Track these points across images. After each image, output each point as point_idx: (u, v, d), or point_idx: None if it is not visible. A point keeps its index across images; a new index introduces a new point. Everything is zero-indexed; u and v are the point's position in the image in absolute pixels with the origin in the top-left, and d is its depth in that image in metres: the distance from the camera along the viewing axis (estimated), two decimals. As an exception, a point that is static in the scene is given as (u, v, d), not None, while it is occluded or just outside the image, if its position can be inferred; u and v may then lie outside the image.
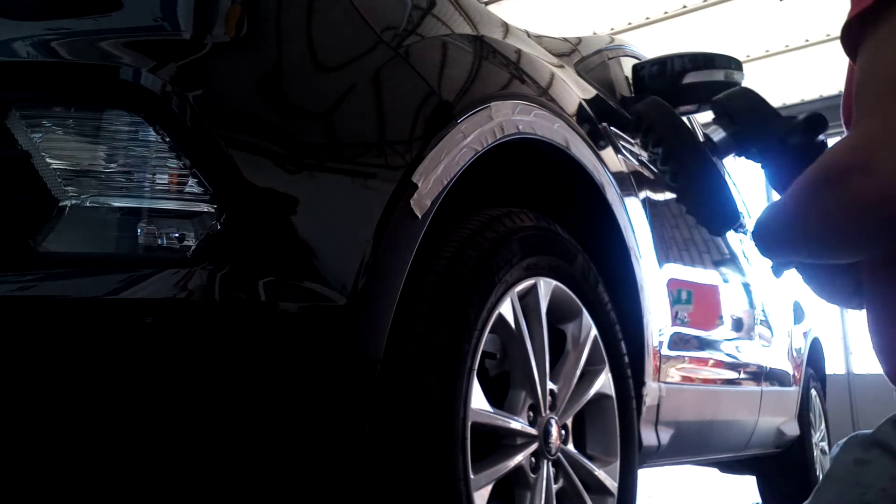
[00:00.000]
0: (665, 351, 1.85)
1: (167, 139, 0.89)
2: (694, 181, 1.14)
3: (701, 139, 1.19)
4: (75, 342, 0.83)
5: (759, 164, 1.17)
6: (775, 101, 9.72)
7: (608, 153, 1.72)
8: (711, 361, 2.28)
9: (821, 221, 0.91)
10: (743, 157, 1.19)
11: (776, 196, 1.09)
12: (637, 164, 1.95)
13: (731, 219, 1.16)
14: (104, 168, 0.88)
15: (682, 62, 2.10)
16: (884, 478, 0.89)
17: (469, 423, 1.13)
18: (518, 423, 1.24)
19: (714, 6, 7.60)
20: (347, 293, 0.97)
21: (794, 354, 3.26)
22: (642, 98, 2.14)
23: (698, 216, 1.17)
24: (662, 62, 2.13)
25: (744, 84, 2.13)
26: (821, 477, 3.44)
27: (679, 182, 1.15)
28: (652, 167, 2.07)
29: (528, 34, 1.84)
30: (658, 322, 1.80)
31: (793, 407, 3.19)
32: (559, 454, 1.34)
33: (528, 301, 1.32)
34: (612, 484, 1.45)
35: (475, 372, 1.15)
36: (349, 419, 0.99)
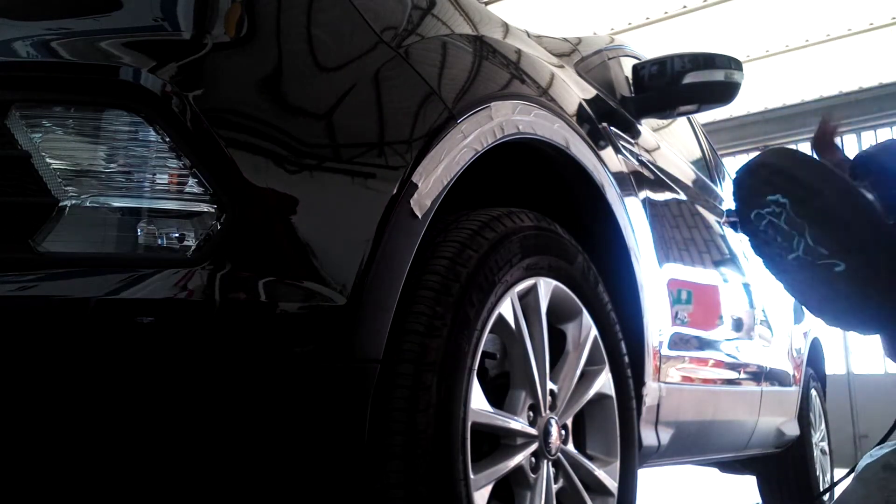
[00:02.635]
0: (665, 351, 1.85)
1: (167, 139, 0.89)
2: (878, 273, 0.86)
3: None
4: (75, 342, 0.83)
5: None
6: (775, 101, 9.76)
7: (608, 153, 1.72)
8: (711, 361, 2.28)
9: None
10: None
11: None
12: (637, 164, 1.95)
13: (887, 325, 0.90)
14: (104, 168, 0.88)
15: (682, 62, 2.10)
16: None
17: (469, 423, 1.13)
18: (518, 423, 1.24)
19: (714, 6, 7.60)
20: (347, 293, 0.97)
21: (794, 354, 3.26)
22: (643, 98, 2.14)
23: (841, 316, 0.91)
24: (662, 62, 2.13)
25: (739, 86, 2.11)
26: (821, 477, 3.46)
27: (846, 278, 0.86)
28: (652, 167, 2.07)
29: (528, 34, 1.84)
30: (658, 322, 1.80)
31: (793, 407, 3.19)
32: (559, 454, 1.34)
33: (528, 301, 1.32)
34: (612, 484, 1.45)
35: (475, 372, 1.15)
36: (349, 419, 0.99)
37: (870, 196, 0.94)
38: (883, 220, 0.88)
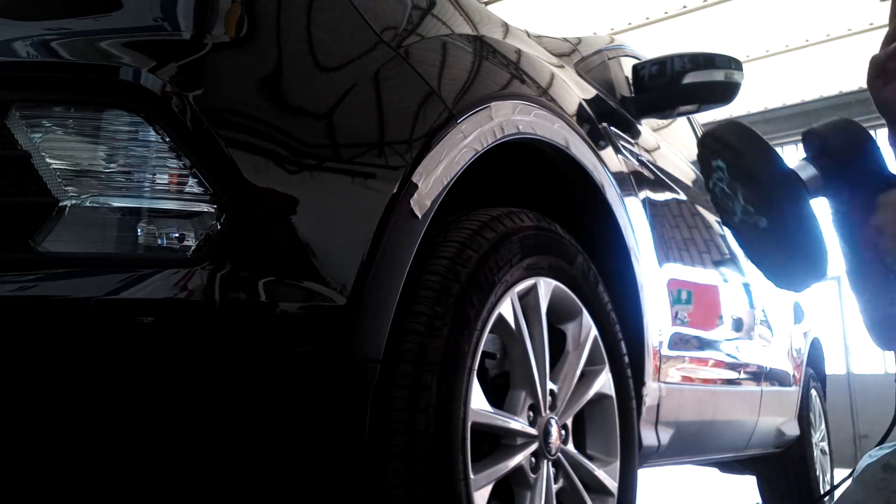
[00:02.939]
0: (665, 351, 1.85)
1: (167, 139, 0.89)
2: (792, 232, 0.97)
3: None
4: (75, 342, 0.83)
5: (833, 210, 1.01)
6: (775, 101, 9.76)
7: (608, 153, 1.72)
8: (711, 361, 2.28)
9: None
10: (824, 199, 1.02)
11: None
12: (637, 164, 1.95)
13: (821, 274, 1.01)
14: (104, 168, 0.88)
15: (682, 62, 2.10)
16: None
17: (469, 423, 1.13)
18: (518, 423, 1.24)
19: (714, 6, 7.61)
20: (347, 293, 0.97)
21: (794, 354, 3.26)
22: (643, 98, 2.14)
23: (779, 273, 1.02)
24: (662, 62, 2.13)
25: (739, 86, 2.12)
26: (821, 477, 3.46)
27: (764, 234, 0.97)
28: (652, 167, 2.07)
29: (528, 34, 1.84)
30: (658, 322, 1.80)
31: (793, 407, 3.19)
32: (559, 454, 1.34)
33: (528, 301, 1.32)
34: (612, 484, 1.45)
35: (475, 372, 1.15)
36: (349, 419, 0.99)
37: (812, 169, 1.01)
38: (801, 185, 0.97)
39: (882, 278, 1.05)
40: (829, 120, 1.04)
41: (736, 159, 1.00)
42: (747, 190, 0.98)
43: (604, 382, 1.49)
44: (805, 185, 0.98)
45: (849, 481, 1.04)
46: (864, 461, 1.00)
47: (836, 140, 1.02)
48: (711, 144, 1.04)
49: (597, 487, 1.43)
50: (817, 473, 3.46)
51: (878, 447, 1.02)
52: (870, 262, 1.03)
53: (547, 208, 1.50)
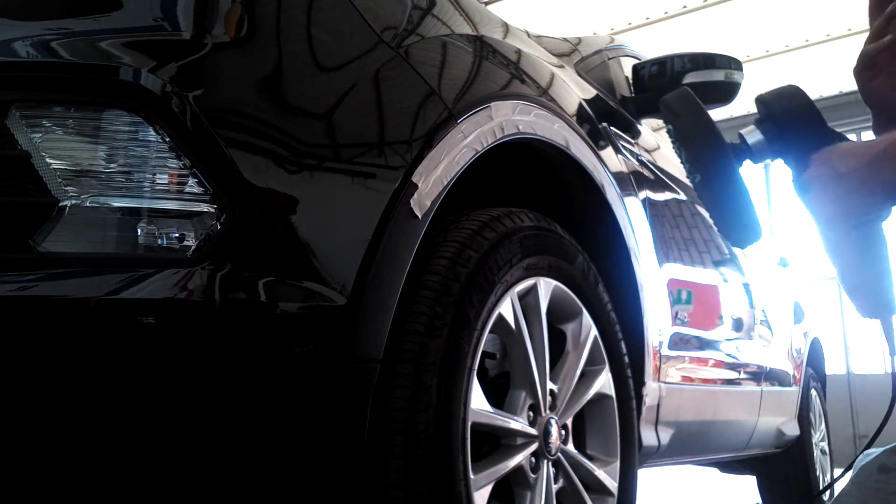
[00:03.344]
0: (665, 351, 1.85)
1: (167, 139, 0.89)
2: (717, 191, 1.07)
3: (737, 140, 1.11)
4: (75, 342, 0.83)
5: (791, 169, 1.09)
6: (775, 101, 9.74)
7: (608, 153, 1.72)
8: (711, 361, 2.28)
9: None
10: (775, 161, 1.11)
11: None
12: (637, 164, 1.95)
13: (752, 234, 1.09)
14: (104, 168, 0.88)
15: (682, 62, 2.10)
16: None
17: (469, 423, 1.13)
18: (518, 423, 1.24)
19: (714, 6, 7.61)
20: (347, 293, 0.97)
21: (794, 354, 3.27)
22: (643, 98, 2.14)
23: (719, 227, 1.11)
24: (662, 62, 2.13)
25: (739, 86, 2.13)
26: (821, 477, 3.46)
27: (700, 189, 1.09)
28: (652, 167, 2.08)
29: (528, 34, 1.84)
30: (658, 322, 1.80)
31: (793, 407, 3.19)
32: (559, 454, 1.34)
33: (528, 301, 1.32)
34: (612, 484, 1.45)
35: (475, 372, 1.15)
36: (349, 419, 0.99)
37: (758, 133, 1.11)
38: (727, 147, 1.08)
39: (848, 244, 1.10)
40: (776, 87, 1.12)
41: (676, 123, 1.11)
42: (684, 150, 1.09)
43: (604, 382, 1.49)
44: (741, 148, 1.09)
45: (849, 474, 1.04)
46: (861, 460, 1.00)
47: (778, 105, 1.10)
48: (663, 111, 1.13)
49: (597, 487, 1.43)
50: (817, 473, 3.46)
51: (873, 448, 1.02)
52: (830, 223, 1.08)
53: (547, 208, 1.50)
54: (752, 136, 1.10)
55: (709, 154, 1.07)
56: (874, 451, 1.00)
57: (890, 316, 1.17)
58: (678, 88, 1.15)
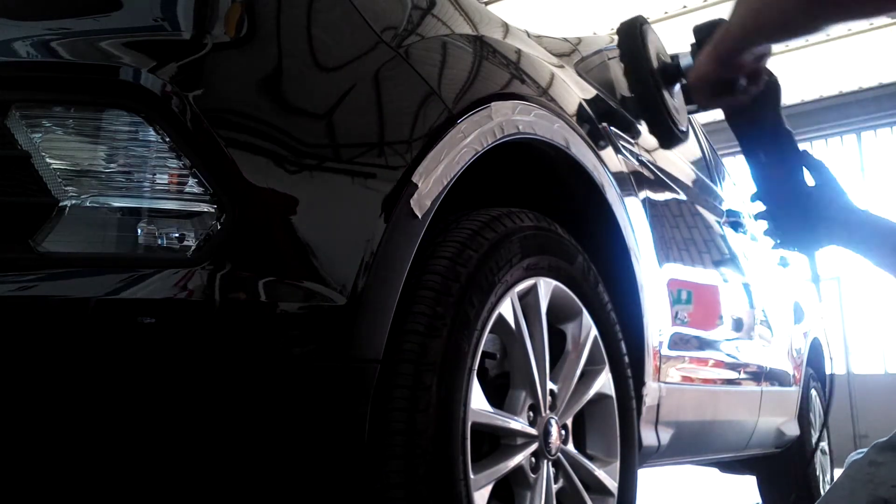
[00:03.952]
0: (665, 351, 1.85)
1: (167, 139, 0.89)
2: (638, 102, 1.41)
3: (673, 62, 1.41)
4: (75, 342, 0.83)
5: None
6: (775, 101, 9.75)
7: (608, 153, 1.72)
8: (711, 361, 2.28)
9: None
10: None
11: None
12: (637, 164, 1.95)
13: (668, 135, 1.42)
14: (104, 168, 0.88)
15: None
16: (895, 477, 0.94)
17: (469, 423, 1.13)
18: (518, 423, 1.24)
19: (714, 6, 7.60)
20: (347, 293, 0.97)
21: (794, 354, 3.26)
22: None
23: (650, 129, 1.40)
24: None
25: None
26: (821, 477, 3.46)
27: (631, 103, 1.38)
28: (652, 167, 2.08)
29: (528, 34, 1.84)
30: (658, 322, 1.80)
31: (793, 407, 3.19)
32: (559, 454, 1.34)
33: (528, 301, 1.32)
34: (612, 484, 1.45)
35: (475, 372, 1.15)
36: (349, 419, 0.99)
37: (689, 58, 1.36)
38: (652, 70, 1.36)
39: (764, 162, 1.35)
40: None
41: (619, 47, 1.41)
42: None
43: (604, 382, 1.49)
44: (671, 69, 1.40)
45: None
46: (852, 457, 1.02)
47: (699, 33, 1.36)
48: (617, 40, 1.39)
49: (597, 487, 1.43)
50: (817, 473, 3.46)
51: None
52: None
53: (547, 208, 1.50)
54: (685, 59, 1.36)
55: (632, 70, 1.37)
56: (864, 451, 1.02)
57: (812, 250, 1.33)
58: (631, 19, 1.44)
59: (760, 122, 1.29)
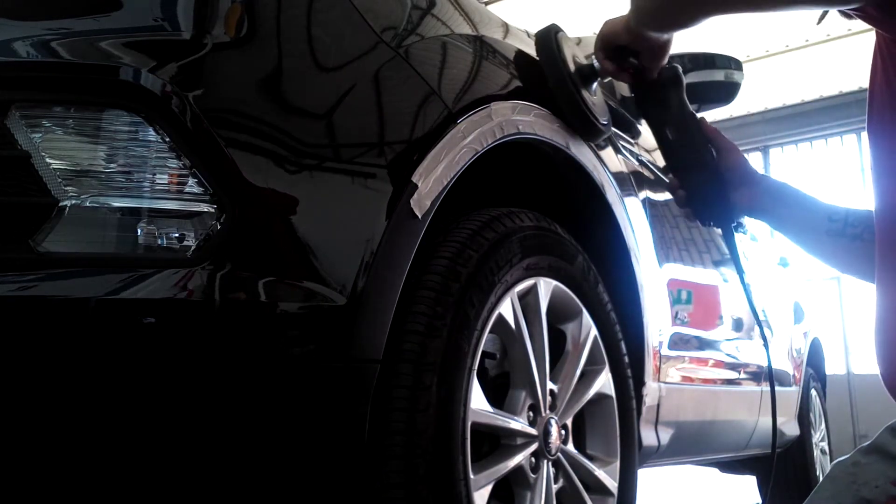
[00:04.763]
0: (665, 351, 1.85)
1: (167, 139, 0.89)
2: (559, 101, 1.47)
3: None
4: (75, 342, 0.83)
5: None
6: (775, 101, 9.75)
7: (608, 153, 1.72)
8: (711, 361, 2.27)
9: None
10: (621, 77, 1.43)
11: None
12: (637, 164, 1.95)
13: (589, 128, 1.50)
14: (104, 168, 0.88)
15: (683, 62, 2.11)
16: (879, 477, 0.94)
17: (469, 423, 1.13)
18: (518, 423, 1.24)
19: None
20: (347, 293, 0.97)
21: (794, 354, 3.26)
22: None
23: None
24: (662, 62, 2.13)
25: (739, 86, 2.17)
26: (821, 477, 3.45)
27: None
28: (652, 167, 2.08)
29: (528, 34, 1.84)
30: (658, 322, 1.80)
31: (793, 407, 3.19)
32: (559, 454, 1.34)
33: (528, 301, 1.32)
34: (612, 484, 1.45)
35: (475, 372, 1.15)
36: (349, 419, 0.99)
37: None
38: (574, 80, 1.44)
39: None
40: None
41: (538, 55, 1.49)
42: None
43: (604, 382, 1.49)
44: (587, 70, 1.47)
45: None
46: (837, 460, 1.03)
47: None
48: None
49: (597, 487, 1.43)
50: (817, 473, 3.46)
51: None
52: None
53: (547, 208, 1.50)
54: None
55: (553, 76, 1.44)
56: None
57: (728, 223, 1.40)
58: (545, 26, 1.51)
59: (665, 104, 1.37)
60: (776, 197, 1.32)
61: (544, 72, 1.44)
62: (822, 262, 1.30)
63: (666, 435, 1.87)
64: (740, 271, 1.55)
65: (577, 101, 1.44)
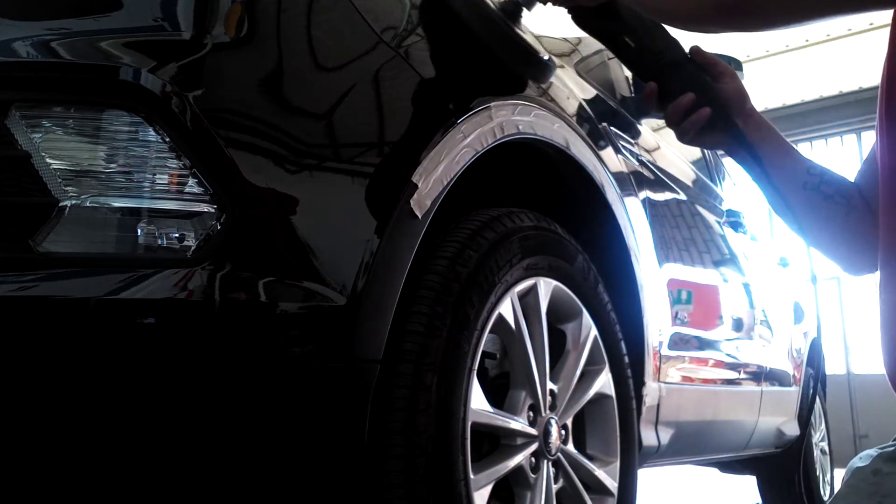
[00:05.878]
0: (665, 351, 1.85)
1: (167, 139, 0.89)
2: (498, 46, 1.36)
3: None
4: (75, 342, 0.83)
5: None
6: (775, 101, 9.76)
7: (608, 153, 1.72)
8: (711, 361, 2.28)
9: None
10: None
11: None
12: (637, 164, 1.95)
13: (536, 68, 1.44)
14: (104, 168, 0.88)
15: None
16: None
17: (469, 423, 1.13)
18: (518, 423, 1.24)
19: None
20: (347, 293, 0.97)
21: (794, 354, 3.26)
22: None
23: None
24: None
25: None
26: (820, 477, 3.45)
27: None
28: (652, 167, 2.08)
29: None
30: (658, 322, 1.80)
31: (793, 407, 3.19)
32: (559, 454, 1.34)
33: (528, 301, 1.32)
34: (612, 484, 1.45)
35: (475, 372, 1.15)
36: (349, 419, 0.99)
37: None
38: (507, 21, 1.34)
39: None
40: None
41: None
42: None
43: (604, 382, 1.49)
44: (510, 7, 1.36)
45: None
46: (856, 463, 1.01)
47: None
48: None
49: (597, 487, 1.43)
50: (817, 473, 3.46)
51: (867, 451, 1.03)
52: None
53: (547, 208, 1.50)
54: None
55: (483, 22, 1.31)
56: (872, 452, 1.01)
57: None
58: None
59: (612, 14, 1.25)
60: (763, 135, 1.22)
61: (471, 23, 1.30)
62: (789, 224, 1.23)
63: (666, 435, 1.87)
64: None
65: (518, 41, 1.34)
